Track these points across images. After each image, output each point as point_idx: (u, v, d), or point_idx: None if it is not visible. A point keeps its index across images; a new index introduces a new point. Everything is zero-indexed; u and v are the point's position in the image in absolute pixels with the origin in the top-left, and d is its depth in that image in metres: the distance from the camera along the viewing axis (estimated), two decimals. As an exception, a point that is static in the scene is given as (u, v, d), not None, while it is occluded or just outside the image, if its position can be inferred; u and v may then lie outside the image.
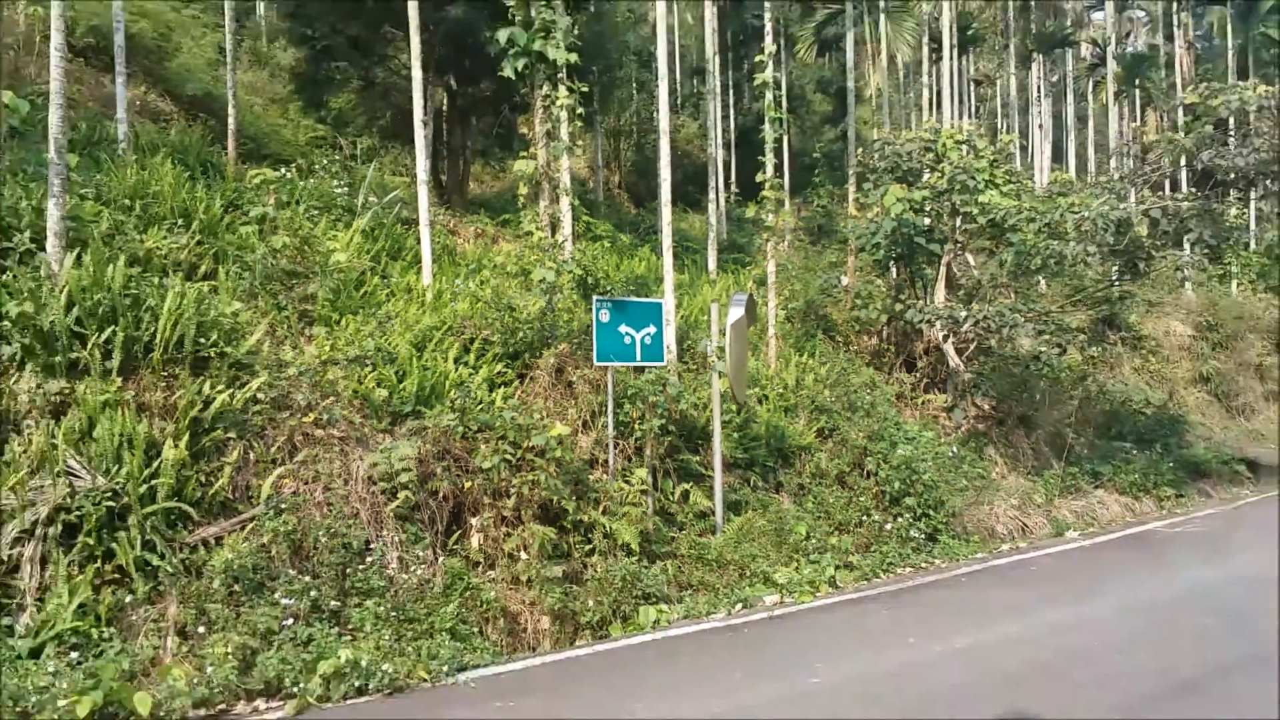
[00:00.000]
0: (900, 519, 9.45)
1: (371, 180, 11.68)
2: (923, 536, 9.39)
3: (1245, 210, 25.60)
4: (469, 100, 14.89)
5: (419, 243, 10.11)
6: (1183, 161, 24.57)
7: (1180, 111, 25.61)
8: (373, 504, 6.57)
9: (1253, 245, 25.39)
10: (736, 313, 9.06)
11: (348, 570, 6.05)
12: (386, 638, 5.69)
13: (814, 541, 8.66)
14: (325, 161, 12.22)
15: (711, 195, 16.01)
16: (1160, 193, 23.99)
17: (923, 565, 8.91)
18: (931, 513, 9.68)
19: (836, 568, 8.32)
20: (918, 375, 13.31)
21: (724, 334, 8.95)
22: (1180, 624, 7.05)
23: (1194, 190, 23.96)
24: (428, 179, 10.53)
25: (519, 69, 10.48)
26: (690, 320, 11.65)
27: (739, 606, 7.42)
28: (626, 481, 8.12)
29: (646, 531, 7.78)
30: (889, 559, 8.79)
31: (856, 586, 8.17)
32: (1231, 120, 24.66)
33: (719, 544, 8.17)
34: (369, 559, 6.22)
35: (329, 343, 7.83)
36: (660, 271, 10.87)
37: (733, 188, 20.16)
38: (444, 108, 14.95)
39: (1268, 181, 25.84)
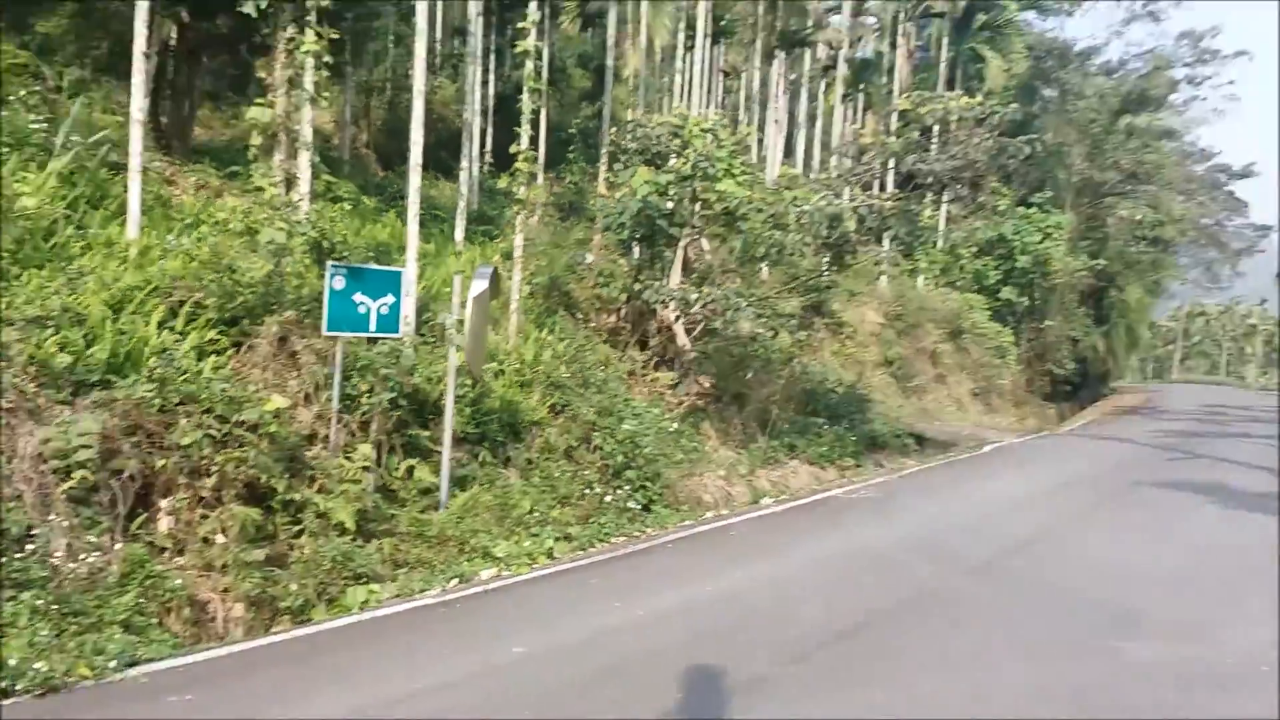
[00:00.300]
0: (620, 490, 9.75)
1: (77, 116, 10.19)
2: (639, 507, 9.75)
3: (937, 212, 28.74)
4: (202, 36, 13.34)
5: (127, 191, 8.97)
6: (891, 164, 27.19)
7: (894, 117, 28.25)
8: (41, 485, 5.76)
9: (939, 244, 28.52)
10: (480, 286, 8.83)
11: (2, 560, 5.27)
12: (44, 633, 5.02)
13: (537, 515, 8.73)
14: (23, 93, 10.49)
15: (464, 163, 15.51)
16: (870, 192, 26.34)
17: (635, 534, 9.25)
18: (649, 484, 10.07)
19: (556, 539, 8.45)
20: (650, 353, 13.76)
21: (465, 306, 8.70)
22: (847, 577, 7.86)
23: (897, 191, 26.57)
24: (144, 119, 9.36)
25: (261, 6, 9.53)
26: (432, 291, 11.28)
27: (454, 582, 7.32)
28: (348, 458, 7.73)
29: (365, 510, 7.46)
30: (606, 529, 9.04)
31: (573, 557, 8.33)
32: (936, 128, 27.57)
33: (441, 520, 8.01)
34: (30, 547, 5.45)
35: (4, 300, 6.75)
36: (405, 239, 10.39)
37: (487, 157, 19.68)
38: (172, 42, 13.30)
39: (958, 186, 29.10)
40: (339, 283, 8.09)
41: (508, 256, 12.53)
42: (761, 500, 11.37)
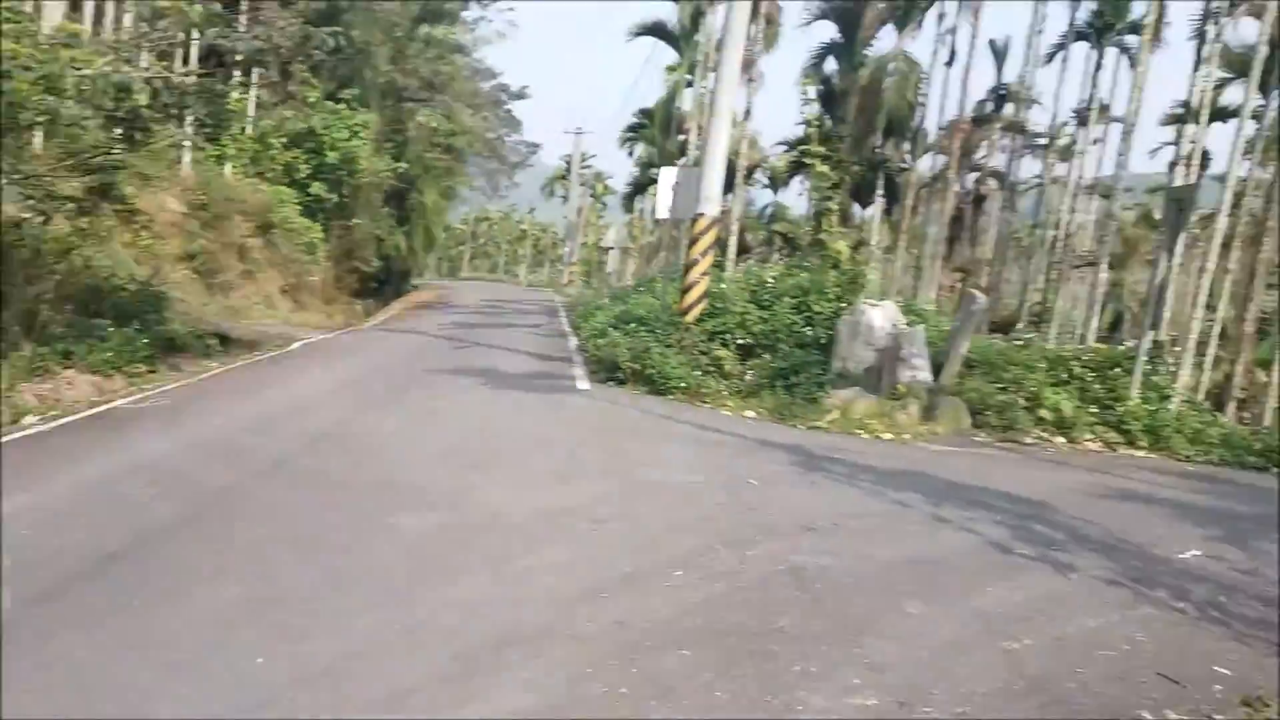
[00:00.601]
0: None
1: None
2: None
3: (245, 96, 26.86)
4: None
5: None
6: (194, 35, 24.18)
7: (190, -20, 24.99)
8: None
9: (248, 131, 26.82)
10: None
11: None
12: None
13: None
14: None
15: None
16: (169, 64, 23.24)
17: None
18: None
19: None
20: None
21: None
22: (120, 497, 7.09)
23: (200, 67, 23.93)
24: None
25: None
26: None
27: None
28: None
29: None
30: None
31: None
32: (244, 3, 25.19)
33: None
34: None
35: None
36: None
37: None
38: None
39: (265, 70, 27.22)
40: None
41: None
42: (24, 420, 9.53)
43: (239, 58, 26.25)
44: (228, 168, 24.98)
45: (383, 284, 35.39)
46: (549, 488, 8.23)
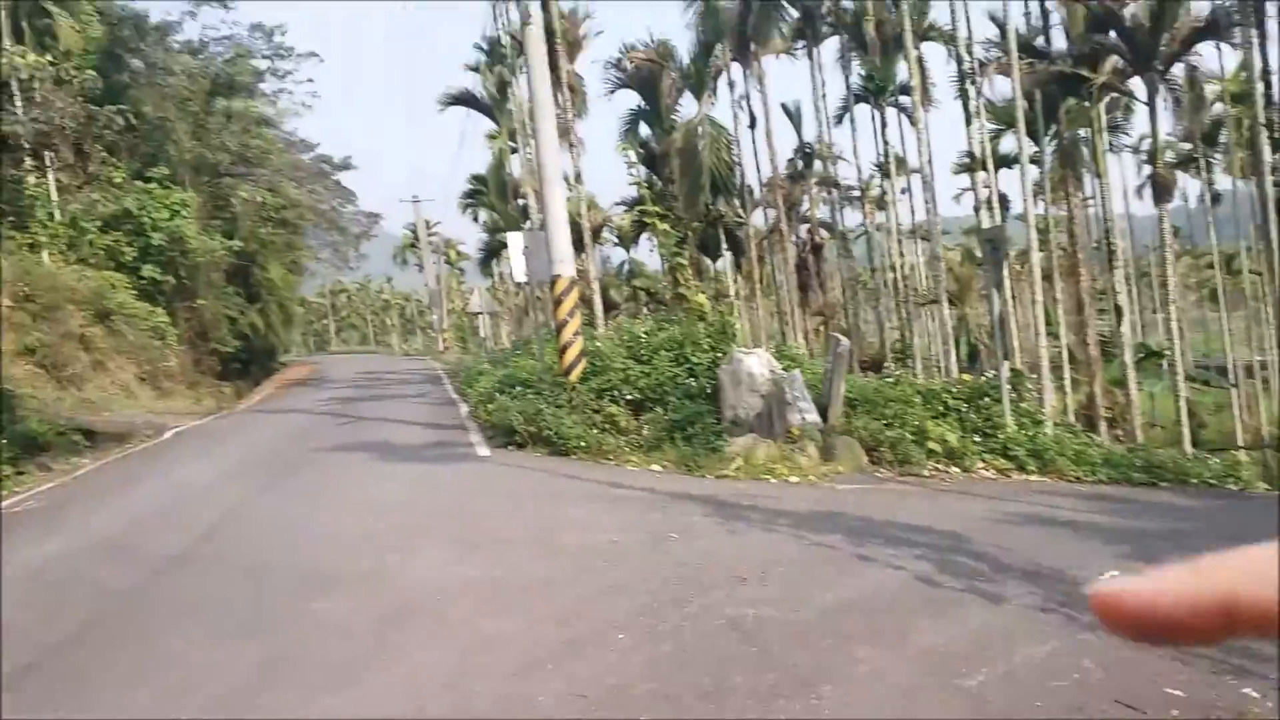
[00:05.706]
0: None
1: None
2: None
3: (44, 180, 24.50)
4: None
5: None
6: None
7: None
8: None
9: (57, 215, 24.46)
10: None
11: None
12: None
13: None
14: None
15: None
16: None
17: None
18: None
19: None
20: None
21: None
22: (13, 611, 6.32)
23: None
24: None
25: None
26: None
27: None
28: None
29: None
30: None
31: None
32: (15, 85, 22.97)
33: None
34: None
35: None
36: None
37: None
38: None
39: (56, 152, 24.55)
40: None
41: None
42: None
43: (24, 143, 23.86)
44: (45, 255, 22.94)
45: (246, 364, 33.35)
46: (467, 561, 7.46)
